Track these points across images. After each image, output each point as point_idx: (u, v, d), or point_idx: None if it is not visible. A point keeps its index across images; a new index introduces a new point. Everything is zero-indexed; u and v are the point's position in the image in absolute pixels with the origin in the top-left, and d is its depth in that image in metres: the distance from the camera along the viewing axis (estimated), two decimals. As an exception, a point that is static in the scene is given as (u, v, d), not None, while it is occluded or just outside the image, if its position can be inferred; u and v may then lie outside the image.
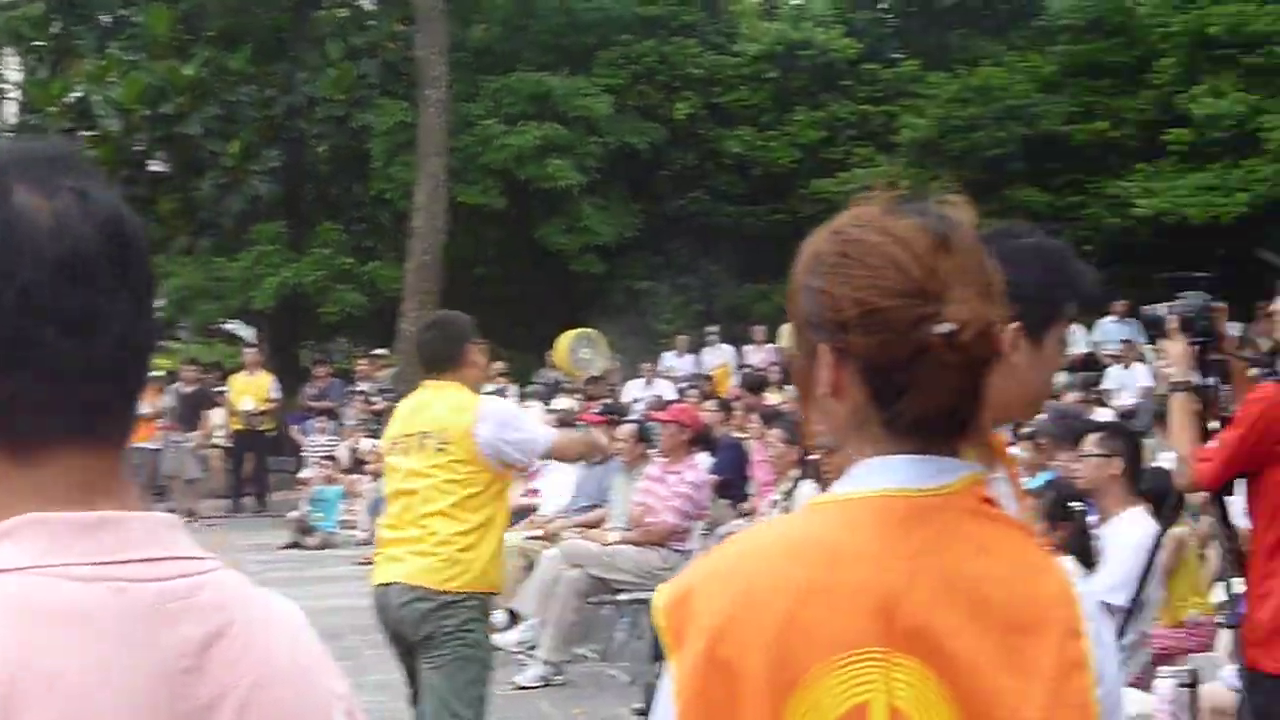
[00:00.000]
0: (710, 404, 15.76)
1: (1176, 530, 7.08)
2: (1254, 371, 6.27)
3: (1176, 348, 5.20)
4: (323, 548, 17.06)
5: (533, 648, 10.41)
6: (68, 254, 1.34)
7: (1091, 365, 18.47)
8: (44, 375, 1.34)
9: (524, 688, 9.77)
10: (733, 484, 12.76)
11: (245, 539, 17.34)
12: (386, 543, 6.41)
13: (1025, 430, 9.50)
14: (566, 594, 10.15)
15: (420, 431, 6.34)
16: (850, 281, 1.69)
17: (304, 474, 19.18)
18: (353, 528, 17.05)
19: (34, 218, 1.35)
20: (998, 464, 1.83)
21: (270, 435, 21.48)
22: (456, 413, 6.29)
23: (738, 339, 23.63)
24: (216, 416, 21.01)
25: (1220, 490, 5.14)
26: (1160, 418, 9.91)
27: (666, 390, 19.28)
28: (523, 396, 18.43)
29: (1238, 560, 5.10)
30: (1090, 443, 6.89)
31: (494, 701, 6.70)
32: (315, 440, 20.16)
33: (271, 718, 1.38)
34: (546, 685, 9.88)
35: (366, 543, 14.64)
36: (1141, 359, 18.01)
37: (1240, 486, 4.98)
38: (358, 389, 21.70)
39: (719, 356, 23.30)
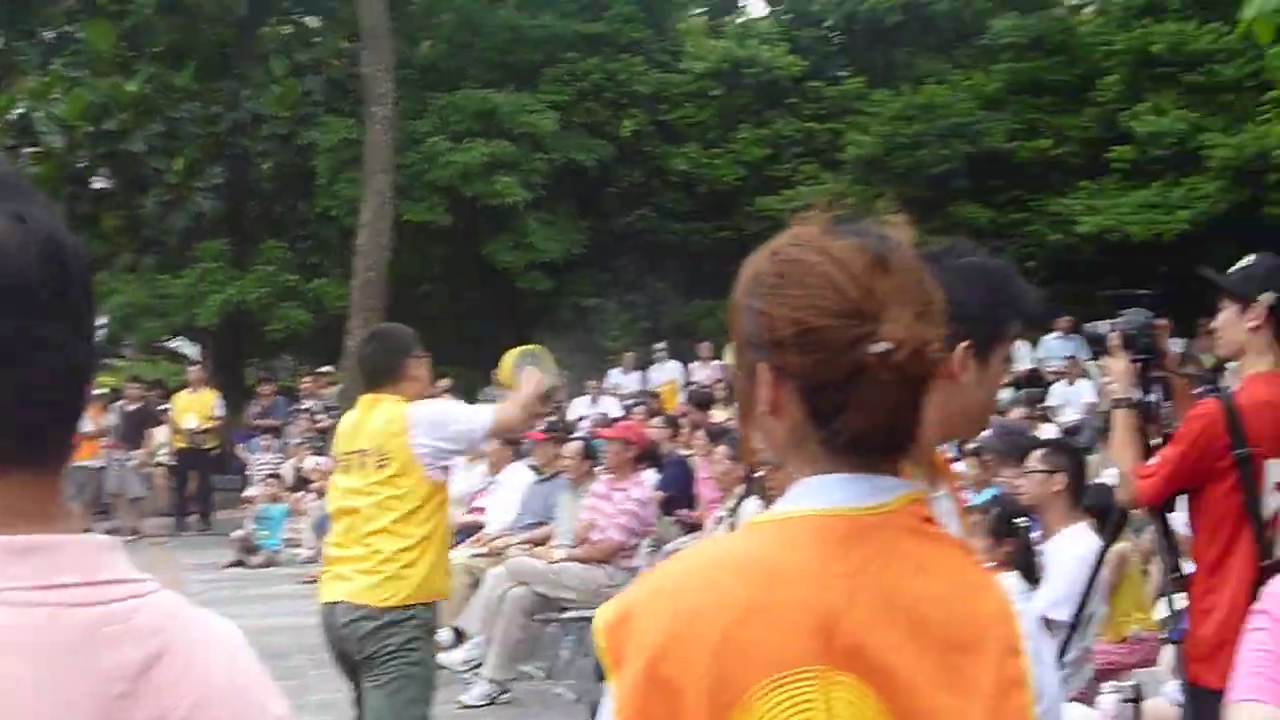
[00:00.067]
0: (657, 421, 15.78)
1: (1119, 546, 7.13)
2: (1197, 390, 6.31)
3: (1119, 364, 5.24)
4: (267, 566, 16.95)
5: (478, 666, 10.36)
6: (3, 281, 1.33)
7: (1036, 381, 18.51)
8: (-24, 403, 1.33)
9: (469, 706, 9.73)
10: (679, 501, 12.78)
11: (189, 557, 17.24)
12: (332, 561, 6.36)
13: (970, 446, 9.54)
14: (512, 612, 10.11)
15: (359, 450, 6.31)
16: (788, 302, 1.70)
17: (249, 492, 19.08)
18: (297, 546, 16.96)
19: (-31, 243, 1.33)
20: (940, 482, 1.84)
21: (214, 453, 21.33)
22: (390, 426, 6.25)
23: (684, 356, 23.59)
24: (160, 435, 20.90)
25: (1162, 506, 5.17)
26: (1104, 434, 9.98)
27: (613, 407, 19.28)
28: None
29: (1179, 576, 5.14)
30: (1034, 459, 6.93)
31: (439, 721, 6.68)
32: (260, 458, 20.05)
33: (210, 739, 1.37)
34: (492, 704, 9.84)
35: (311, 561, 14.58)
36: (1085, 375, 18.07)
37: (1182, 503, 5.00)
38: (303, 407, 21.59)
39: (666, 373, 23.28)
